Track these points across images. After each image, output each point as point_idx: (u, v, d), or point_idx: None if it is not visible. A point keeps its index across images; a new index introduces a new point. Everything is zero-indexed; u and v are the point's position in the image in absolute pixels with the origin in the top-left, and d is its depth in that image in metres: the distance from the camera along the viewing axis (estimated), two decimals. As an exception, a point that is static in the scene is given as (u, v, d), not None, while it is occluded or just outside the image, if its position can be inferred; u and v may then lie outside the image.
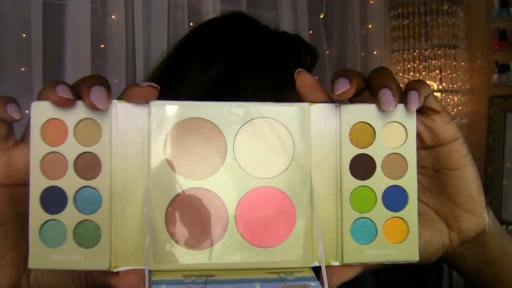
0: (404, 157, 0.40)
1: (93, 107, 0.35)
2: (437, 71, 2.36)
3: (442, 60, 2.36)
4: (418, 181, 0.41)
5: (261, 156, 0.38)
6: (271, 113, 0.38)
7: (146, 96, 0.37)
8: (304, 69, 0.39)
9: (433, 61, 2.36)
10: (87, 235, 0.37)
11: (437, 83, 2.36)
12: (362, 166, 0.39)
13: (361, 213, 0.39)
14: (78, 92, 0.36)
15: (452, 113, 2.37)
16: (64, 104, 0.35)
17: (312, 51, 0.71)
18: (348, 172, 0.39)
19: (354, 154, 0.39)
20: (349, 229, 0.39)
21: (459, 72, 2.38)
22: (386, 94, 0.38)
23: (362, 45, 2.45)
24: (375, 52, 2.47)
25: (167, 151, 0.37)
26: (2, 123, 0.36)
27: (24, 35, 1.48)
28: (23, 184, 0.37)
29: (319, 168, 0.39)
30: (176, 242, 0.37)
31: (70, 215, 0.36)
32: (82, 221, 0.37)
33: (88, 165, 0.37)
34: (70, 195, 0.36)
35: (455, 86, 2.37)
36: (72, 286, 0.41)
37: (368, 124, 0.39)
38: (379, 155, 0.39)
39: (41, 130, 0.36)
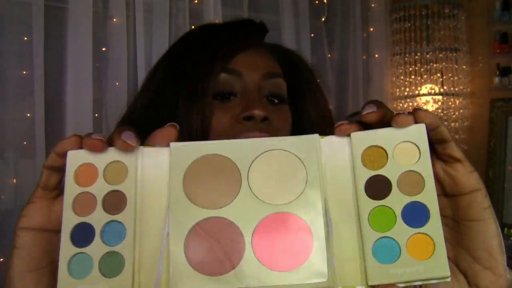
0: (420, 174, 0.40)
1: (123, 145, 0.40)
2: (438, 74, 2.36)
3: (444, 63, 2.36)
4: None
5: (275, 184, 0.41)
6: (282, 145, 0.41)
7: (168, 137, 0.41)
8: (343, 121, 0.43)
9: (435, 64, 2.36)
10: (111, 266, 0.39)
11: (439, 86, 2.36)
12: (377, 187, 0.41)
13: (382, 232, 0.40)
14: (109, 140, 0.41)
15: (454, 116, 2.37)
16: (98, 148, 0.40)
17: (255, 24, 0.76)
18: (364, 193, 0.40)
19: (368, 176, 0.41)
20: (370, 250, 0.39)
21: (460, 75, 2.38)
22: (400, 115, 0.40)
23: (364, 48, 2.45)
24: (376, 55, 2.47)
25: (186, 185, 0.40)
26: (54, 174, 0.42)
27: (25, 38, 1.48)
28: (60, 231, 0.40)
29: (335, 192, 0.41)
30: (196, 270, 0.39)
31: (96, 248, 0.39)
32: (107, 252, 0.39)
33: (115, 201, 0.40)
34: (97, 229, 0.39)
35: (456, 89, 2.36)
36: None
37: (379, 147, 0.41)
38: (393, 175, 0.41)
39: (75, 174, 0.41)
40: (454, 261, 0.43)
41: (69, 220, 0.40)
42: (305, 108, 0.75)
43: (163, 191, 0.40)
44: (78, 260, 0.39)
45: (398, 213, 0.40)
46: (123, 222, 0.39)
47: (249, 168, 0.41)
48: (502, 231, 2.21)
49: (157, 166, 0.41)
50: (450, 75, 2.36)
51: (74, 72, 1.54)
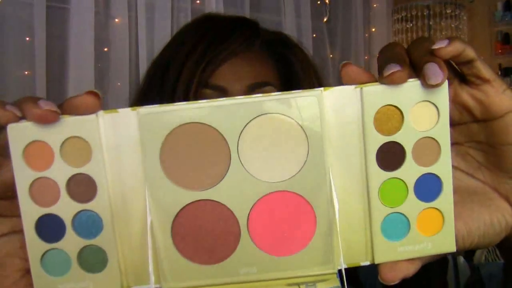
0: (436, 140, 0.34)
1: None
2: (440, 75, 2.36)
3: (446, 64, 2.36)
4: (473, 157, 0.38)
5: (271, 158, 0.34)
6: (276, 108, 0.33)
7: (91, 107, 0.33)
8: (348, 61, 0.35)
9: (437, 65, 2.36)
10: (93, 261, 0.34)
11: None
12: (390, 156, 0.34)
13: (392, 207, 0.35)
14: (64, 108, 0.33)
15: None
16: (49, 119, 0.32)
17: (250, 23, 0.75)
18: (375, 164, 0.34)
19: (381, 143, 0.34)
20: (379, 227, 0.35)
21: (462, 76, 2.38)
22: (433, 68, 0.33)
23: (366, 48, 2.45)
24: (378, 56, 2.47)
25: (164, 163, 0.33)
26: None
27: (27, 39, 1.48)
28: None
29: (340, 162, 0.35)
30: (187, 258, 0.35)
31: (71, 242, 0.34)
32: (85, 246, 0.34)
33: (82, 187, 0.33)
34: (67, 221, 0.34)
35: (458, 89, 2.36)
36: None
37: (395, 106, 0.34)
38: (409, 141, 0.34)
39: (23, 155, 0.32)
40: (493, 186, 0.39)
41: (30, 211, 0.33)
42: None
43: (138, 170, 0.34)
44: (52, 257, 0.34)
45: (411, 186, 0.35)
46: (96, 212, 0.33)
47: (239, 138, 0.33)
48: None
49: (126, 139, 0.33)
50: (452, 75, 2.36)
51: (76, 73, 1.54)
